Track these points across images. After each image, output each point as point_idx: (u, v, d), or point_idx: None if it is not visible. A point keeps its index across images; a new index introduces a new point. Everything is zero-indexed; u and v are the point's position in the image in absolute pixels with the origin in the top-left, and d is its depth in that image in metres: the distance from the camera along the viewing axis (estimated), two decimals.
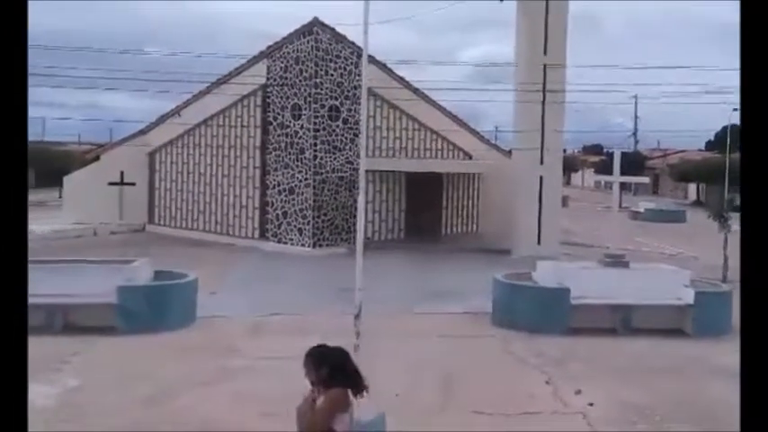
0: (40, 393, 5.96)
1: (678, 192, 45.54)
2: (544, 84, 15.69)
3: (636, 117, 47.35)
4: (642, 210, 28.60)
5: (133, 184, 19.37)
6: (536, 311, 8.58)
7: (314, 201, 15.84)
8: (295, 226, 16.17)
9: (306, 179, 15.97)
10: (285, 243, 16.26)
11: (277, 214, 16.59)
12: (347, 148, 16.30)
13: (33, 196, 31.05)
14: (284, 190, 16.44)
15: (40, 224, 19.57)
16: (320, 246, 15.84)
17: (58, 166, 29.16)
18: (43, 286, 7.97)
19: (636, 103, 46.01)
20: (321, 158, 15.98)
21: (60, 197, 22.78)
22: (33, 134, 42.95)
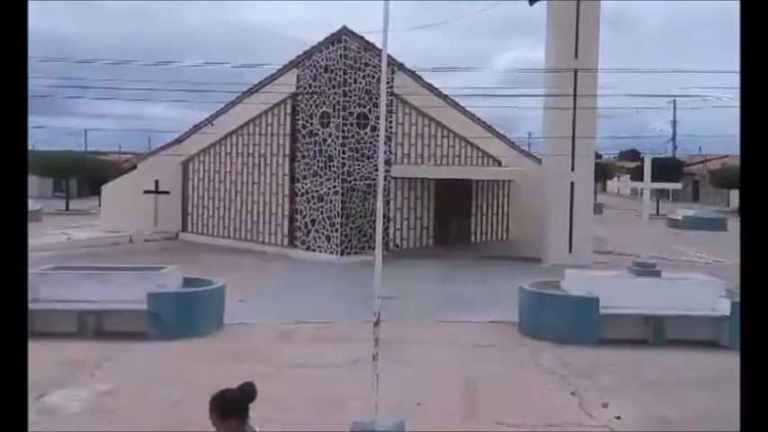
0: (73, 397, 6.14)
1: (719, 198, 44.13)
2: (575, 88, 15.44)
3: (674, 121, 46.27)
4: (680, 217, 27.80)
5: (167, 192, 19.91)
6: (564, 321, 8.42)
7: (342, 208, 15.93)
8: (323, 233, 16.29)
9: (334, 187, 16.08)
10: (313, 251, 16.38)
11: (305, 222, 16.74)
12: (375, 155, 16.34)
13: (75, 205, 32.17)
14: (313, 197, 16.58)
15: (79, 232, 20.24)
16: (348, 253, 15.91)
17: (98, 175, 30.13)
18: (76, 292, 8.28)
19: (674, 107, 44.98)
20: (349, 166, 16.07)
21: (99, 205, 23.49)
22: (76, 145, 44.65)
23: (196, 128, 19.76)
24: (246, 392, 3.00)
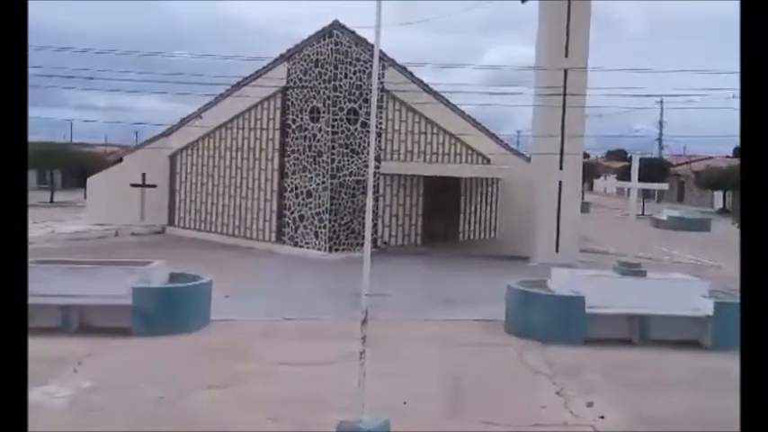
0: (54, 394, 6.06)
1: (704, 199, 44.66)
2: (564, 87, 15.53)
3: (661, 122, 46.69)
4: (665, 217, 28.10)
5: (154, 186, 19.75)
6: (550, 320, 8.46)
7: (331, 204, 15.89)
8: (311, 230, 16.24)
9: (323, 182, 16.03)
10: (302, 247, 16.33)
11: (294, 218, 16.68)
12: (365, 151, 16.32)
13: (59, 197, 31.78)
14: (301, 193, 16.52)
15: (64, 225, 20.00)
16: (336, 250, 15.88)
17: (84, 167, 29.77)
18: (60, 286, 8.17)
19: (661, 107, 45.36)
20: (339, 162, 16.02)
21: (85, 198, 23.22)
22: (61, 136, 44.07)
23: (184, 121, 19.59)
24: None
